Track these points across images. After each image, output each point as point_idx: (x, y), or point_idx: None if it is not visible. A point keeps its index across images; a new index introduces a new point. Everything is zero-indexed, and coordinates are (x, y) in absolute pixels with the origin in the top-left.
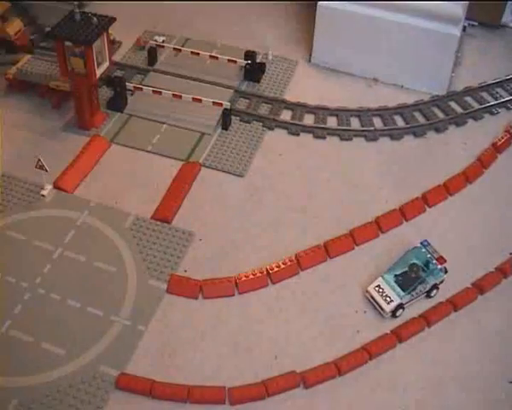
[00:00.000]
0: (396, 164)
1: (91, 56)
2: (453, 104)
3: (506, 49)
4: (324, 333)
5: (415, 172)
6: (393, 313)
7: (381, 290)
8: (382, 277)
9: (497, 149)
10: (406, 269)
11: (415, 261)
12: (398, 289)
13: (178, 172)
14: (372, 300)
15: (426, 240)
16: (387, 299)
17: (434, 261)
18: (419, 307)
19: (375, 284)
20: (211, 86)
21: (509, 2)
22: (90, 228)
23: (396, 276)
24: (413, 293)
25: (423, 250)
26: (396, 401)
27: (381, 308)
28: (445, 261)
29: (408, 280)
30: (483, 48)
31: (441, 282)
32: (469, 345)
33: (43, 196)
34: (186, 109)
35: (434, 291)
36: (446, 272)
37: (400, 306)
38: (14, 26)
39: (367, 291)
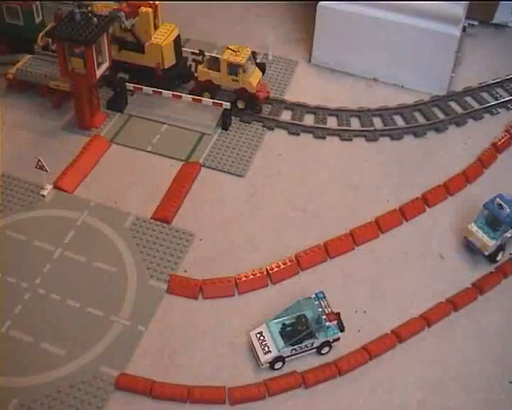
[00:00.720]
0: (396, 164)
1: (91, 56)
2: (453, 104)
3: (506, 49)
4: None
5: (415, 172)
6: (271, 365)
7: (261, 338)
8: (266, 323)
9: (497, 149)
10: (294, 320)
11: (305, 313)
12: (280, 340)
13: (178, 172)
14: (251, 346)
15: (321, 291)
16: (266, 349)
17: (324, 317)
18: (418, 308)
19: (258, 330)
20: None
21: (508, 2)
22: (90, 228)
23: (284, 325)
24: (296, 347)
25: (316, 302)
26: (396, 401)
27: (258, 358)
28: (338, 318)
29: (293, 332)
30: (483, 48)
31: (335, 340)
32: (470, 345)
33: (43, 196)
34: (186, 109)
35: (326, 348)
36: (343, 330)
37: (279, 359)
38: (255, 77)
39: (249, 335)
